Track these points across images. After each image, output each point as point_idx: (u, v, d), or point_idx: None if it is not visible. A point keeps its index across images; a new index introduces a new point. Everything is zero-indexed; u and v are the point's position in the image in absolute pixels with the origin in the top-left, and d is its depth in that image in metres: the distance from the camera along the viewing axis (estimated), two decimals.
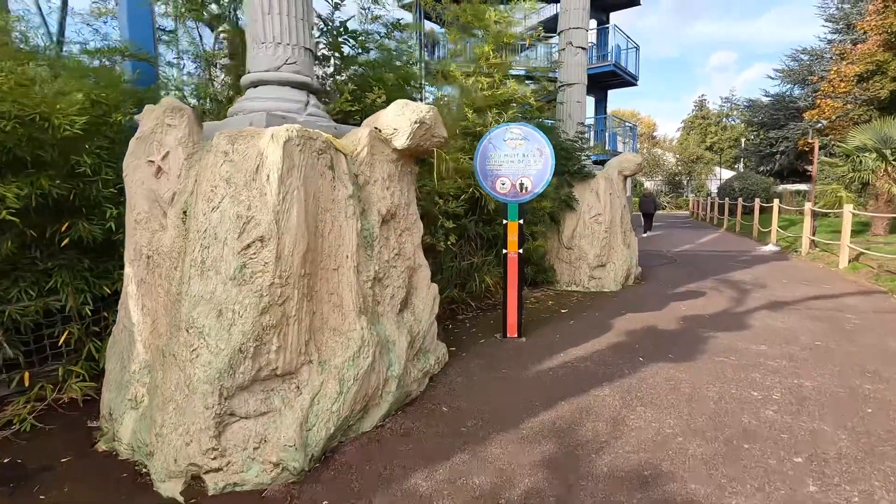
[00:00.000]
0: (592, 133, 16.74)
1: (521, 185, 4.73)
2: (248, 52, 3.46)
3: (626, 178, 8.12)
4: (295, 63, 3.49)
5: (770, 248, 12.02)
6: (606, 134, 16.79)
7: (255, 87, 3.46)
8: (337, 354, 2.91)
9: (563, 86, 8.31)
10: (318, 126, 3.33)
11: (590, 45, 15.77)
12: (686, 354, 4.35)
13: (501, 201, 4.80)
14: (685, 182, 40.94)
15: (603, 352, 4.47)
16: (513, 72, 7.92)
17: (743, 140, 38.23)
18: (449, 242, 5.39)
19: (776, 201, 12.84)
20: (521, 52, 12.87)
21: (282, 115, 3.16)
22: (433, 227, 5.30)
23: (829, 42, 25.33)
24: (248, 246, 2.55)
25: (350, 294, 3.04)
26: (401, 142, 3.50)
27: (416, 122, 3.46)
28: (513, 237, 4.77)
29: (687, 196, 37.60)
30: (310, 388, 2.74)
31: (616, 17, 16.59)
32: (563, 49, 8.30)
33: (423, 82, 7.43)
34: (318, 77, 4.71)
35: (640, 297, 6.85)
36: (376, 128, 3.52)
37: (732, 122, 46.80)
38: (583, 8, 8.15)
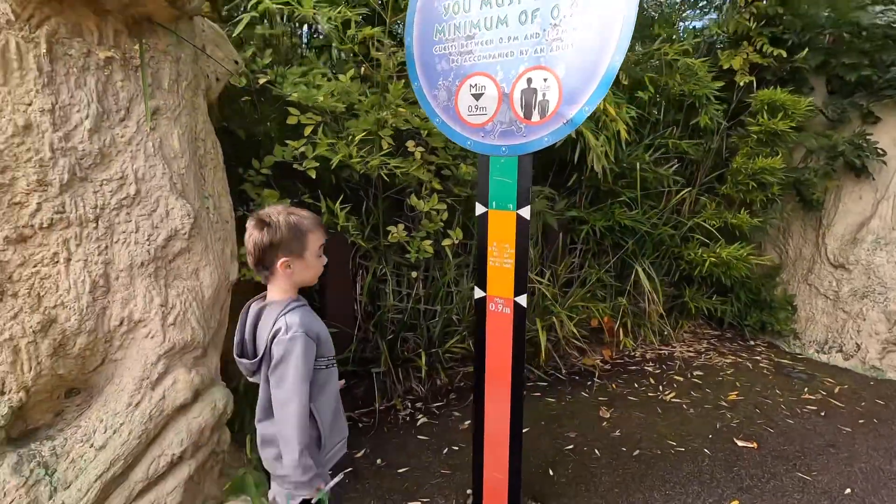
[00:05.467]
0: None
1: (529, 96, 1.50)
2: None
3: None
4: None
5: None
6: None
7: None
8: None
9: None
10: None
11: None
12: None
13: (471, 150, 1.66)
14: None
15: None
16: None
17: None
18: (450, 241, 2.48)
19: None
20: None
21: None
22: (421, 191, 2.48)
23: None
24: None
25: None
26: None
27: None
28: (500, 259, 1.62)
29: None
30: None
31: None
32: None
33: None
34: None
35: None
36: None
37: None
38: None
